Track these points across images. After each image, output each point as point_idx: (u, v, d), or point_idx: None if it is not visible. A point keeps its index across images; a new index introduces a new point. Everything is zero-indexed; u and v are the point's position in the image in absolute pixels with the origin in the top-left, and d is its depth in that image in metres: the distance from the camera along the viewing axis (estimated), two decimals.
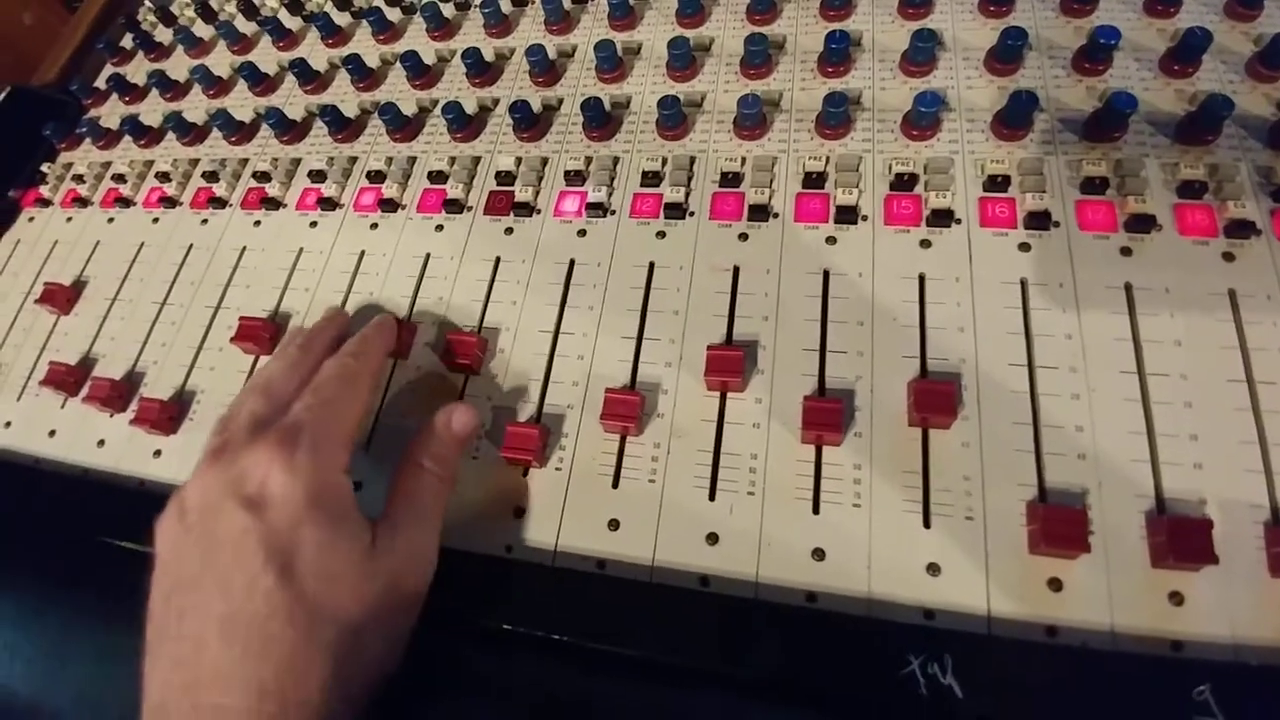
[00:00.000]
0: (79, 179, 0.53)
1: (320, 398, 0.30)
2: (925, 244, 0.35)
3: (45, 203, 0.54)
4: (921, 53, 0.39)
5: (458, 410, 0.33)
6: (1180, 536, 0.27)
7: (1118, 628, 0.27)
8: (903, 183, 0.36)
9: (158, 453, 0.40)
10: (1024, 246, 0.34)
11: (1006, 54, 0.38)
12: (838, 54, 0.40)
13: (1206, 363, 0.30)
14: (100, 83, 0.59)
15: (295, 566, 0.26)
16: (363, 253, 0.42)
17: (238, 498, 0.27)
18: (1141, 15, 0.40)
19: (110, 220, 0.50)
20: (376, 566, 0.28)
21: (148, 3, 0.63)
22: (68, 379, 0.43)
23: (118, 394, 0.42)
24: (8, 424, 0.44)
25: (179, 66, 0.56)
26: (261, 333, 0.40)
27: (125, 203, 0.50)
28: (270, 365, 0.34)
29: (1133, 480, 0.29)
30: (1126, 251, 0.33)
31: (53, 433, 0.43)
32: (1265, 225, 0.33)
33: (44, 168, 0.55)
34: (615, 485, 0.33)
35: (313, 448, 0.28)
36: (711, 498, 0.32)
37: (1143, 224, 0.33)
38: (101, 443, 0.42)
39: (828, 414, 0.31)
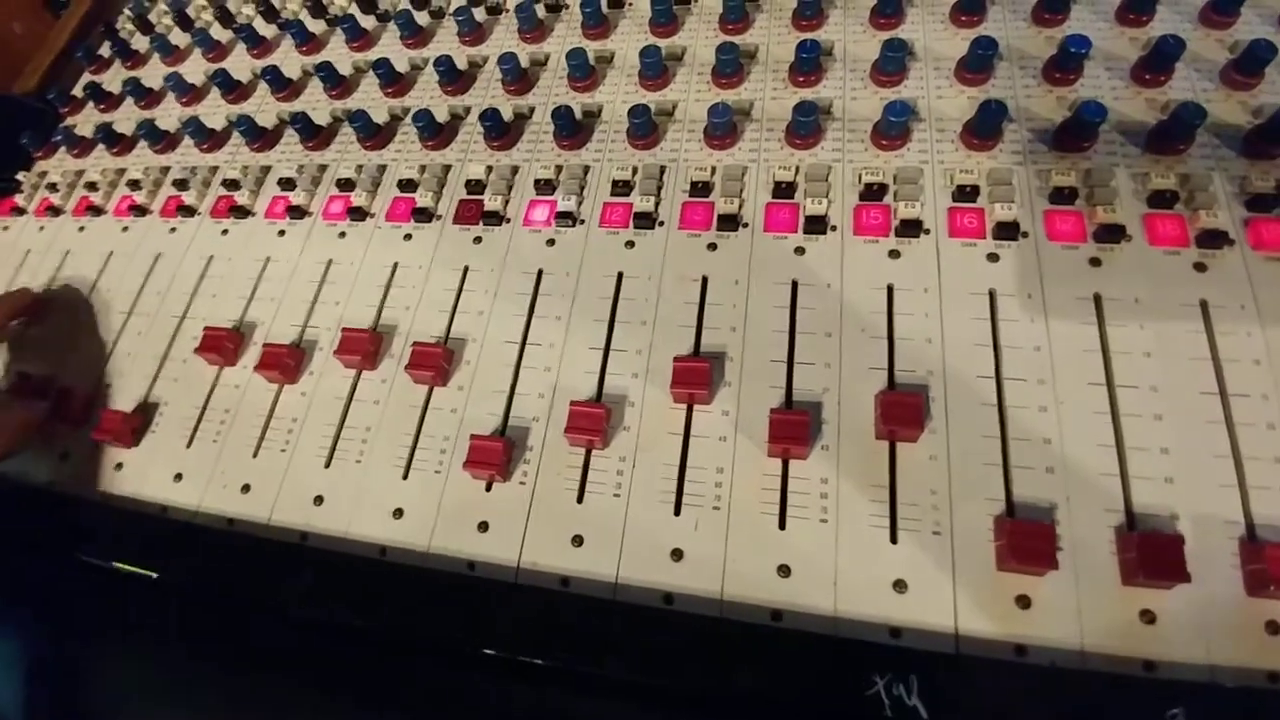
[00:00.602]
0: (52, 187, 0.53)
1: None
2: (894, 254, 0.34)
3: (20, 211, 0.53)
4: (892, 62, 0.39)
5: (24, 406, 0.41)
6: (1151, 553, 0.26)
7: (1088, 646, 0.27)
8: (872, 193, 0.36)
9: (119, 466, 0.40)
10: (993, 257, 0.34)
11: (977, 63, 0.38)
12: (809, 63, 0.39)
13: (1178, 375, 0.30)
14: (78, 90, 0.58)
15: None
16: (330, 262, 0.42)
17: None
18: (1113, 24, 0.39)
19: (81, 229, 0.50)
20: None
21: (127, 10, 0.63)
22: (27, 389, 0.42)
23: (79, 406, 0.41)
24: None
25: (154, 74, 0.56)
26: (226, 343, 0.40)
27: (96, 211, 0.50)
28: None
29: (1103, 494, 0.28)
30: (1096, 262, 0.33)
31: None
32: (1238, 235, 0.32)
33: (19, 176, 0.55)
34: (580, 500, 0.32)
35: None
36: (677, 513, 0.31)
37: (1112, 234, 0.33)
38: (64, 456, 0.41)
39: (794, 426, 0.30)
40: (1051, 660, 0.27)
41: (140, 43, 0.59)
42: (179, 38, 0.57)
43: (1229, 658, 0.26)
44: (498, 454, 0.33)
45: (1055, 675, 0.26)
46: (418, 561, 0.33)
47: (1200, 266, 0.32)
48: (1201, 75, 0.37)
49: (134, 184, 0.49)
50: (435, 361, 0.36)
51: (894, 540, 0.29)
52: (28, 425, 0.41)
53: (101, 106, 0.56)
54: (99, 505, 0.39)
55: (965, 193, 0.35)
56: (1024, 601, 0.28)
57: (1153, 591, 0.27)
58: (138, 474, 0.39)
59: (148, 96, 0.54)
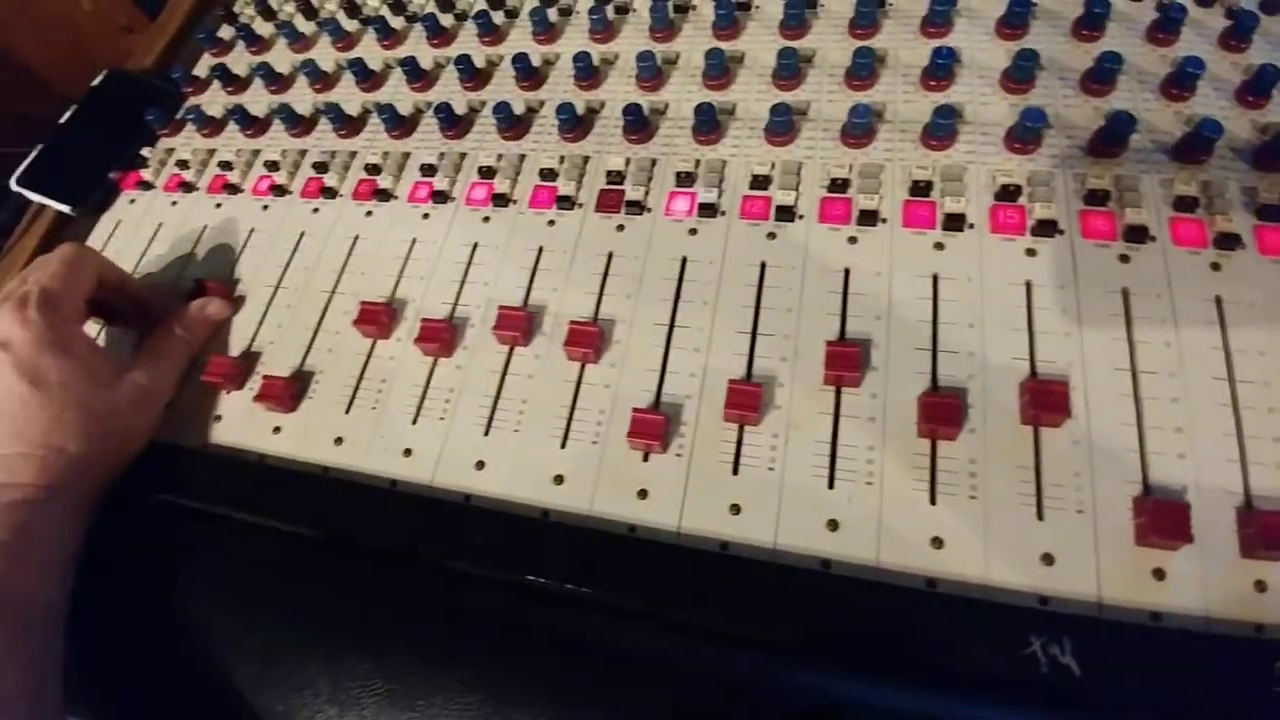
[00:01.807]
0: (183, 164, 0.55)
1: (46, 274, 0.40)
2: (1032, 252, 0.37)
3: (147, 186, 0.56)
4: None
5: (214, 301, 0.46)
6: (1269, 529, 0.29)
7: (1211, 612, 0.29)
8: (1008, 193, 0.38)
9: (277, 429, 0.42)
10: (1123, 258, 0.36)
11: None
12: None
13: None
14: (201, 71, 0.61)
15: (42, 381, 0.38)
16: (476, 244, 0.45)
17: None
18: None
19: (218, 206, 0.53)
20: (108, 382, 0.40)
21: None
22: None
23: (237, 371, 0.44)
24: None
25: (282, 60, 0.59)
26: (382, 316, 0.42)
27: (233, 189, 0.53)
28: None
29: (1224, 475, 0.31)
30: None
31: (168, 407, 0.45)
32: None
33: (145, 152, 0.57)
34: (735, 472, 0.35)
35: (40, 309, 0.39)
36: (830, 486, 0.34)
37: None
38: (219, 419, 0.44)
39: (945, 409, 0.33)
40: (1182, 625, 0.29)
41: (264, 28, 0.62)
42: (304, 25, 0.60)
43: None
44: (659, 427, 0.35)
45: (1185, 638, 0.29)
46: (581, 523, 0.36)
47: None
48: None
49: (272, 165, 0.52)
50: (590, 340, 0.38)
51: (1040, 517, 0.32)
52: (219, 318, 0.46)
53: (230, 89, 0.58)
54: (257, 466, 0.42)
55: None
56: (1159, 574, 0.30)
57: (1267, 563, 0.30)
58: (297, 437, 0.42)
59: (279, 81, 0.57)
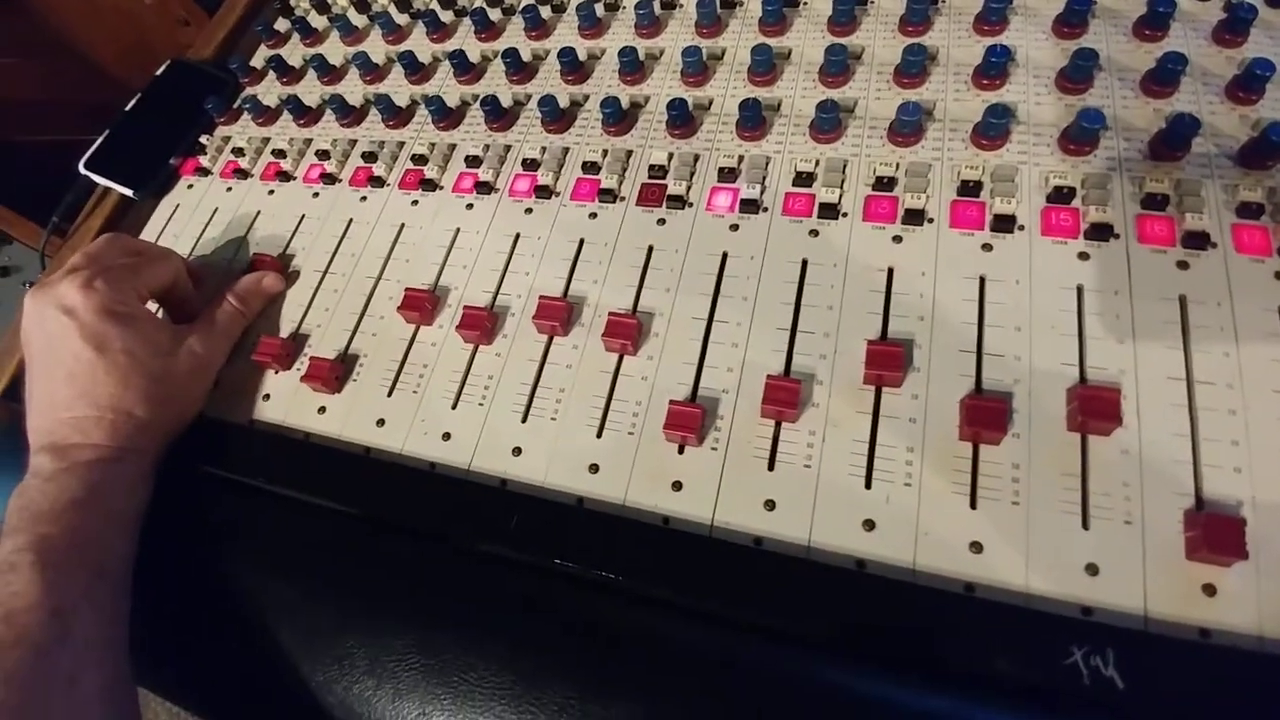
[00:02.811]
0: (238, 152, 0.57)
1: (107, 255, 0.44)
2: (1083, 256, 0.36)
3: (204, 172, 0.58)
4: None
5: (269, 275, 0.48)
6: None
7: (1266, 632, 0.28)
8: (1061, 195, 0.38)
9: (322, 409, 0.43)
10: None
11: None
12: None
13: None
14: (257, 62, 0.63)
15: (107, 348, 0.40)
16: (518, 235, 0.45)
17: (57, 307, 0.40)
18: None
19: (270, 192, 0.54)
20: (168, 350, 0.42)
21: None
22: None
23: (286, 352, 0.45)
24: None
25: (335, 52, 0.60)
26: (425, 303, 0.43)
27: (285, 176, 0.54)
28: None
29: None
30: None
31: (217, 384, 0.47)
32: None
33: (203, 139, 0.59)
34: (771, 468, 0.35)
35: (104, 283, 0.41)
36: (868, 486, 0.33)
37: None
38: (266, 397, 0.45)
39: (990, 413, 0.32)
40: (1233, 643, 0.28)
41: (318, 21, 0.63)
42: (357, 18, 0.61)
43: None
44: (695, 419, 0.35)
45: (1238, 656, 0.28)
46: (615, 512, 0.36)
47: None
48: None
49: (322, 154, 0.53)
50: (628, 331, 0.39)
51: (1085, 526, 0.31)
52: (273, 291, 0.48)
53: (284, 79, 0.60)
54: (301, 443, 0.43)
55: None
56: (1210, 590, 0.29)
57: None
58: (341, 418, 0.43)
59: (331, 73, 0.58)
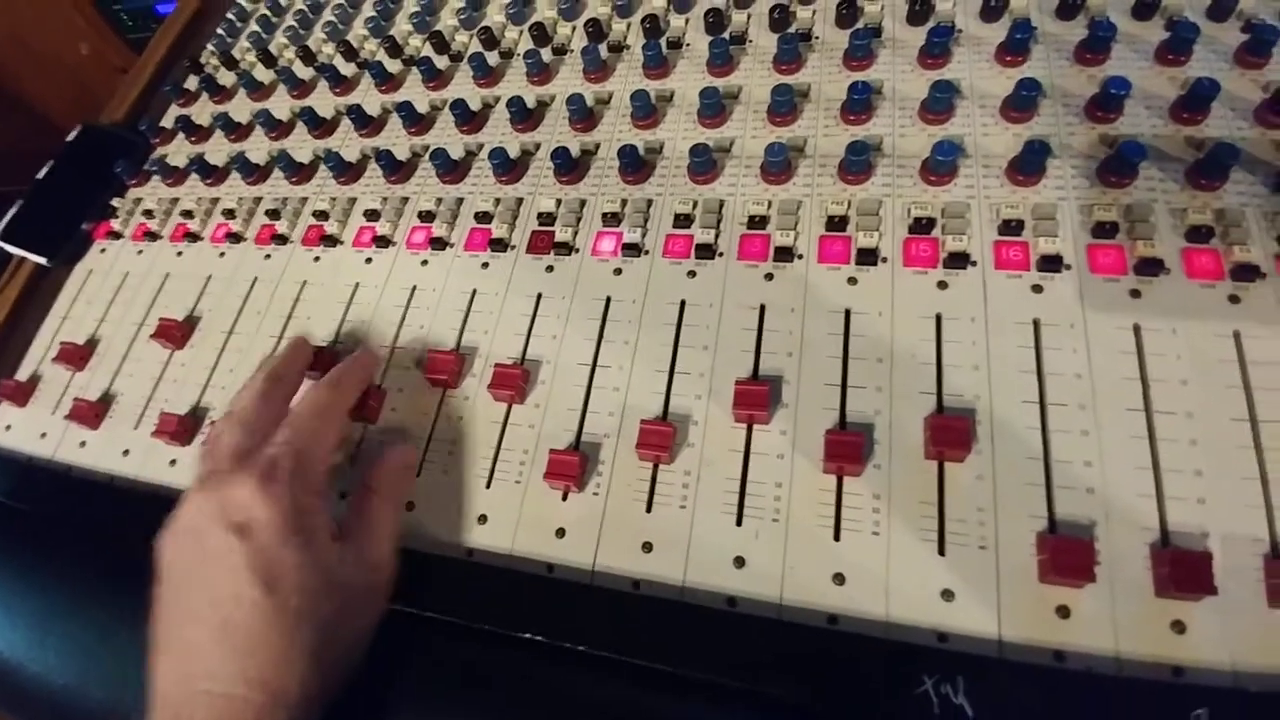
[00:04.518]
0: (149, 214, 0.57)
1: (296, 429, 0.35)
2: (942, 285, 0.37)
3: (116, 235, 0.58)
4: (940, 102, 0.41)
5: (402, 449, 0.39)
6: (1182, 568, 0.29)
7: (1122, 653, 0.29)
8: (921, 226, 0.39)
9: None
10: (1037, 288, 0.36)
11: (1021, 103, 0.41)
12: (860, 103, 0.42)
13: (1211, 402, 0.32)
14: (167, 122, 0.63)
15: (278, 584, 0.31)
16: (414, 288, 0.46)
17: (226, 523, 0.31)
18: (1152, 64, 0.41)
19: (179, 254, 0.55)
20: (344, 578, 0.33)
21: (210, 46, 0.68)
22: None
23: (184, 428, 0.45)
24: (82, 444, 0.48)
25: (241, 109, 0.61)
26: (326, 362, 0.44)
27: (193, 237, 0.55)
28: (242, 396, 0.37)
29: (1138, 513, 0.31)
30: (1136, 293, 0.35)
31: (126, 452, 0.47)
32: (1269, 268, 0.34)
33: (114, 202, 0.60)
34: (649, 510, 0.36)
35: (289, 478, 0.33)
36: (739, 523, 0.34)
37: (1151, 267, 0.35)
38: (173, 462, 0.45)
39: (849, 447, 0.33)
40: (1088, 665, 0.29)
41: (226, 78, 0.64)
42: (263, 74, 0.62)
43: (1252, 664, 0.28)
44: (574, 467, 0.36)
45: (1092, 679, 0.29)
46: (503, 564, 0.36)
47: (1234, 299, 0.34)
48: (1236, 115, 0.39)
49: (229, 213, 0.54)
50: (515, 381, 0.39)
51: (942, 553, 0.32)
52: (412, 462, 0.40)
53: (193, 138, 0.61)
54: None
55: (1010, 227, 0.38)
56: (1064, 611, 0.30)
57: (1183, 603, 0.29)
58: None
59: (237, 130, 0.59)
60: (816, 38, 0.48)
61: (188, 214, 0.56)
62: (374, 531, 0.36)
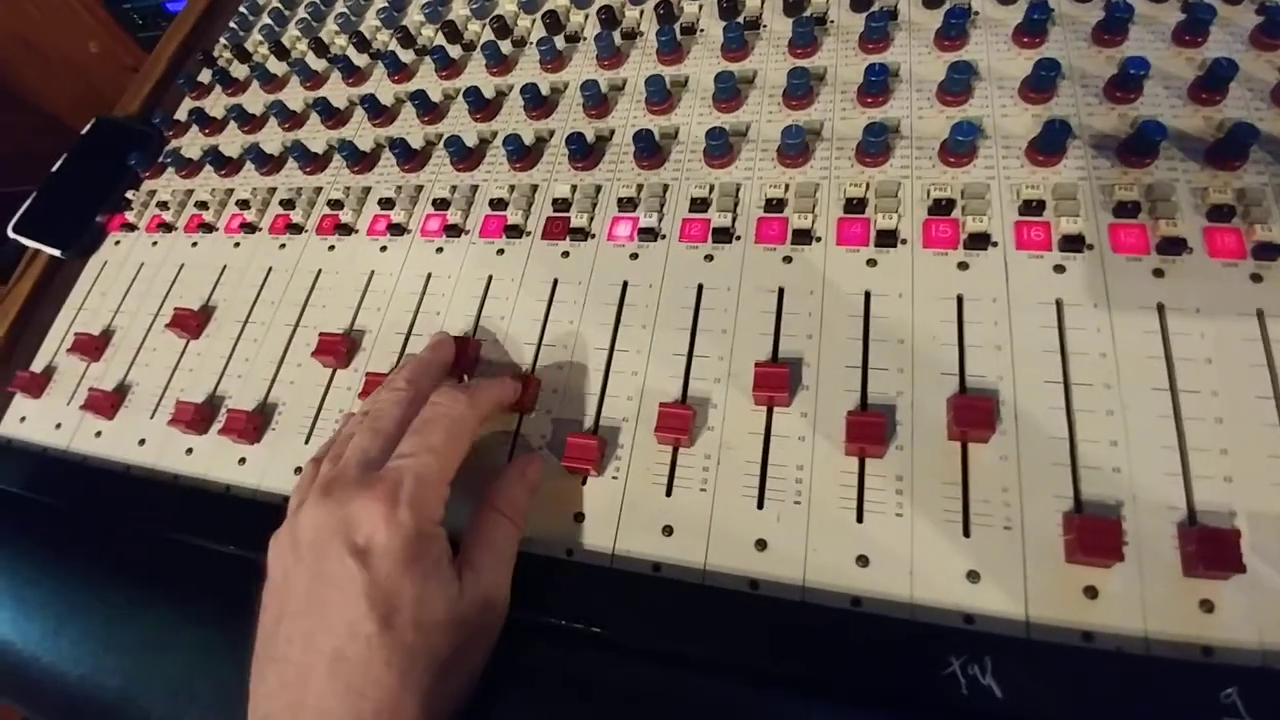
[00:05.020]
0: (163, 206, 0.58)
1: (426, 444, 0.32)
2: (963, 266, 0.37)
3: (131, 227, 0.58)
4: (958, 84, 0.41)
5: (532, 462, 0.37)
6: (1210, 547, 0.28)
7: (1150, 633, 0.29)
8: (940, 207, 0.38)
9: (242, 460, 0.44)
10: (1059, 268, 0.36)
11: (1040, 84, 0.40)
12: (877, 85, 0.42)
13: (1236, 380, 0.32)
14: (181, 115, 0.63)
15: (395, 617, 0.29)
16: (429, 275, 0.46)
17: (347, 543, 0.30)
18: (1170, 45, 0.41)
19: (194, 245, 0.55)
20: (463, 612, 0.31)
21: (223, 40, 0.68)
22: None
23: (200, 416, 0.45)
24: (98, 434, 0.48)
25: (255, 101, 0.61)
26: (339, 347, 0.44)
27: (208, 228, 0.55)
28: (380, 397, 0.36)
29: (1165, 492, 0.30)
30: (1159, 273, 0.35)
31: (142, 441, 0.47)
32: None
33: (129, 195, 0.60)
34: (669, 494, 0.35)
35: (415, 502, 0.31)
36: (760, 506, 0.34)
37: (1174, 246, 0.35)
38: (190, 451, 0.45)
39: (871, 428, 0.33)
40: (1117, 646, 0.29)
41: (239, 71, 0.64)
42: (276, 66, 0.62)
43: None
44: (593, 451, 0.36)
45: (1120, 660, 0.28)
46: (522, 548, 0.36)
47: (1256, 277, 0.34)
48: (1254, 95, 0.38)
49: (243, 203, 0.54)
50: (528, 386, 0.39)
51: (967, 534, 0.31)
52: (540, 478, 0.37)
53: (206, 130, 0.61)
54: (222, 497, 0.43)
55: (1031, 207, 0.37)
56: (1091, 592, 0.30)
57: (1211, 582, 0.29)
58: (260, 470, 0.43)
59: (251, 121, 0.59)
60: (831, 21, 0.48)
61: (202, 205, 0.56)
62: (498, 557, 0.33)
